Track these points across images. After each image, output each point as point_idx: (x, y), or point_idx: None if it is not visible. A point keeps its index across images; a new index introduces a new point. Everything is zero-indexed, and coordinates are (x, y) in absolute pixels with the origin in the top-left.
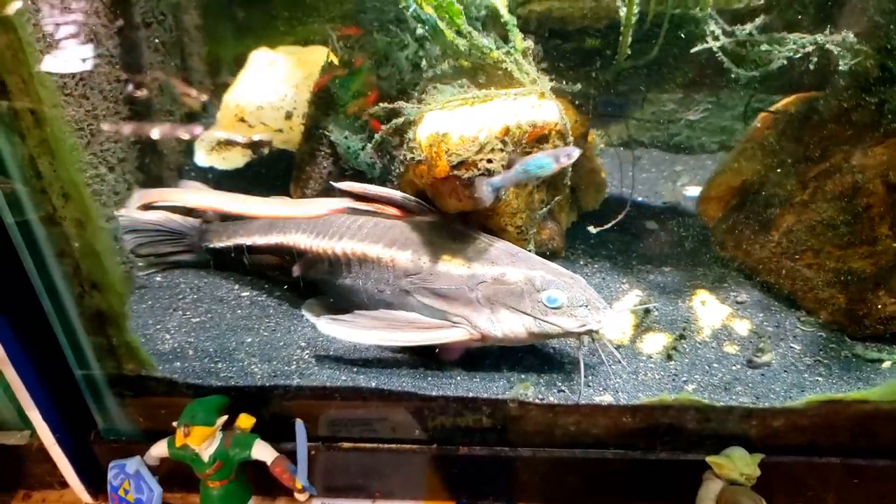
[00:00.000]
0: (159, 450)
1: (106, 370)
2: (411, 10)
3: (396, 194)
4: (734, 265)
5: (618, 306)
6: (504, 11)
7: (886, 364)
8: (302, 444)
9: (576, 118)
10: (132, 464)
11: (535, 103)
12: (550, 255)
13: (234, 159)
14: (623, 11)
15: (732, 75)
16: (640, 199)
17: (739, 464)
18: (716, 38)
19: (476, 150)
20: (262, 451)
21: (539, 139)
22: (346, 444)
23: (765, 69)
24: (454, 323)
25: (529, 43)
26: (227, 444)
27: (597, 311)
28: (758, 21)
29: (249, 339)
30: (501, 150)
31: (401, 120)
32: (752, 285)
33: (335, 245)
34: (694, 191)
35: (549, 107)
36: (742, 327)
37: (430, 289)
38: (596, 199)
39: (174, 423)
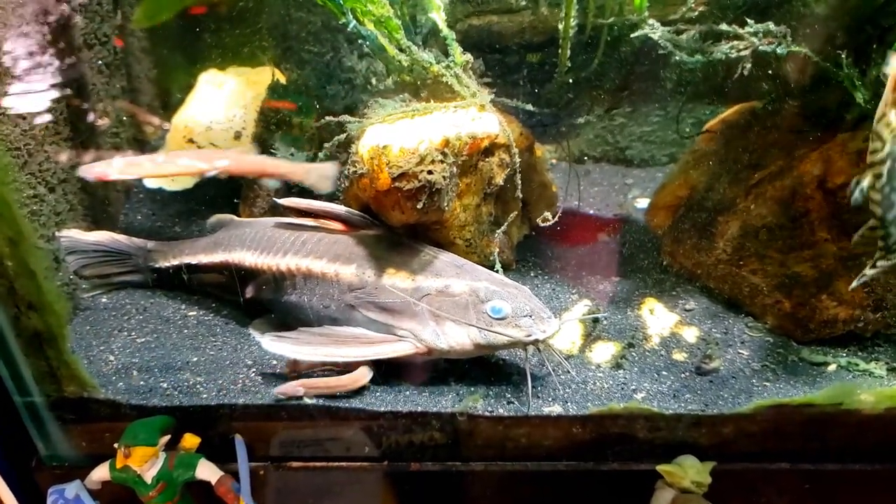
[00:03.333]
0: (100, 473)
1: (46, 393)
2: (351, 26)
3: (340, 209)
4: (683, 273)
5: (566, 316)
6: (443, 26)
7: (832, 367)
8: (243, 461)
9: (520, 131)
10: (72, 488)
11: (475, 116)
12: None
13: (184, 180)
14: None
15: (675, 86)
16: (591, 211)
17: (690, 472)
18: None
19: (416, 161)
20: (207, 471)
21: (485, 151)
22: (295, 464)
23: (709, 79)
24: (400, 337)
25: (469, 57)
26: (170, 464)
27: (542, 321)
28: (693, 31)
29: (195, 359)
30: (442, 162)
31: (343, 135)
32: (700, 293)
33: (279, 261)
34: (644, 203)
35: (489, 119)
36: (690, 334)
37: (374, 303)
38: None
39: (115, 445)
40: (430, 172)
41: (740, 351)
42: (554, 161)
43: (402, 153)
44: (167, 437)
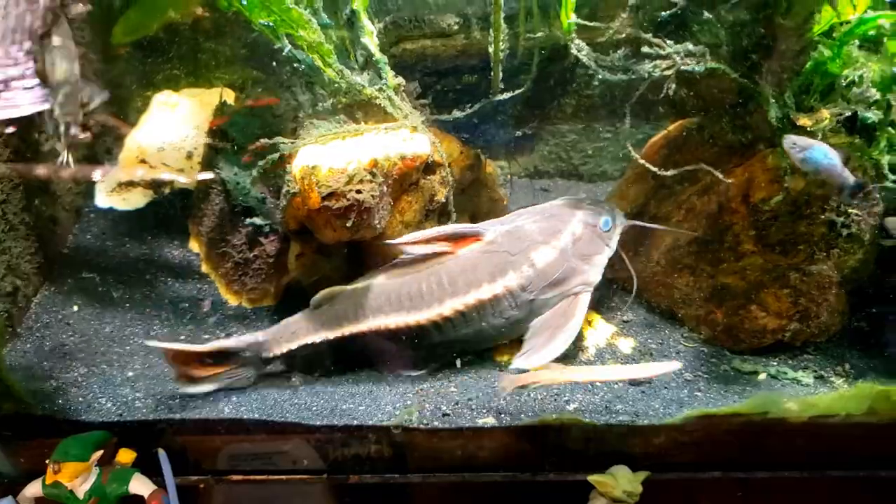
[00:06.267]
0: (33, 489)
1: None
2: (286, 50)
3: (448, 228)
4: (623, 285)
5: None
6: (375, 50)
7: (762, 376)
8: (168, 474)
9: (460, 150)
10: None
11: (406, 136)
12: None
13: (135, 200)
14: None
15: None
16: None
17: (622, 481)
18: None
19: (345, 181)
20: (140, 486)
21: (426, 169)
22: (235, 477)
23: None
24: (575, 293)
25: (401, 80)
26: (104, 479)
27: (605, 210)
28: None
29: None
30: (371, 181)
31: (276, 155)
32: (638, 304)
33: (441, 310)
34: None
35: (420, 140)
36: (626, 345)
37: (546, 285)
38: None
39: (47, 461)
40: (358, 192)
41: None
42: (509, 176)
43: (331, 173)
44: (100, 453)
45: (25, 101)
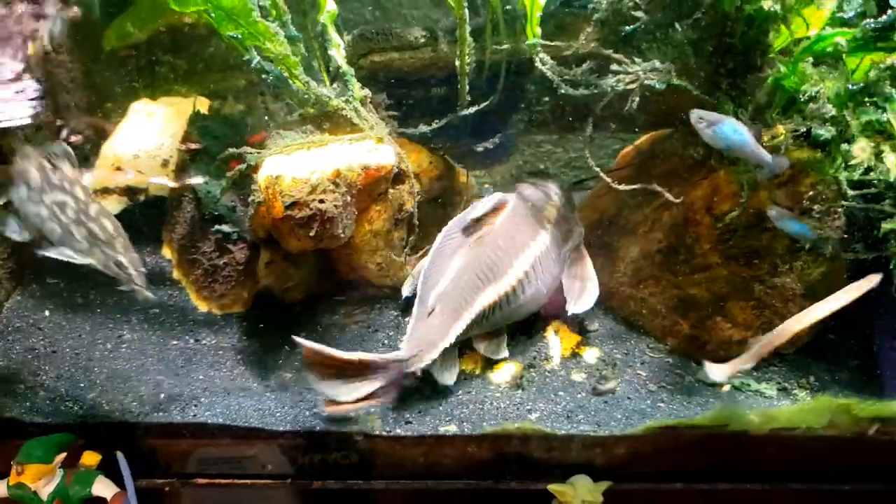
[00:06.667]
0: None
1: None
2: (255, 62)
3: (486, 205)
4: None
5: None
6: (341, 62)
7: (726, 388)
8: (126, 476)
9: (430, 160)
10: None
11: (371, 147)
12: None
13: (110, 207)
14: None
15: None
16: None
17: (581, 491)
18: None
19: (308, 191)
20: (102, 488)
21: (395, 179)
22: (201, 481)
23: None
24: (577, 246)
25: (367, 92)
26: (67, 481)
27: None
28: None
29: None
30: (333, 192)
31: (243, 165)
32: (605, 314)
33: (515, 273)
34: None
35: (385, 150)
36: (591, 355)
37: (569, 234)
38: None
39: (12, 462)
40: (321, 201)
41: (639, 372)
42: (486, 185)
43: (294, 183)
44: (63, 455)
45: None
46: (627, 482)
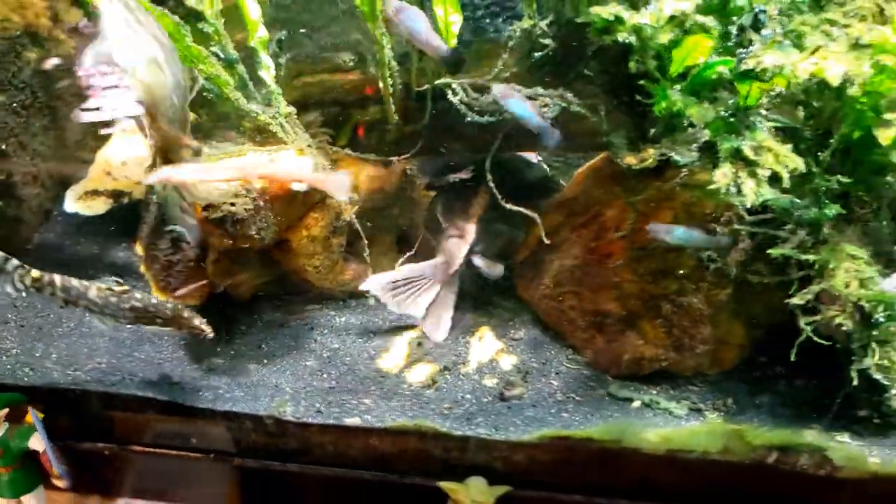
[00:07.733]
0: None
1: None
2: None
3: None
4: (524, 307)
5: (399, 340)
6: (271, 82)
7: (636, 404)
8: (40, 429)
9: (372, 174)
10: None
11: (291, 159)
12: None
13: (97, 207)
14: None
15: None
16: None
17: (473, 491)
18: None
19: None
20: (37, 443)
21: None
22: (137, 448)
23: None
24: None
25: (292, 109)
26: (10, 434)
27: None
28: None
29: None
30: (245, 197)
31: None
32: (533, 325)
33: None
34: None
35: (304, 162)
36: (508, 362)
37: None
38: None
39: None
40: (232, 205)
41: (552, 381)
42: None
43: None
44: (6, 410)
45: None
46: (528, 489)
